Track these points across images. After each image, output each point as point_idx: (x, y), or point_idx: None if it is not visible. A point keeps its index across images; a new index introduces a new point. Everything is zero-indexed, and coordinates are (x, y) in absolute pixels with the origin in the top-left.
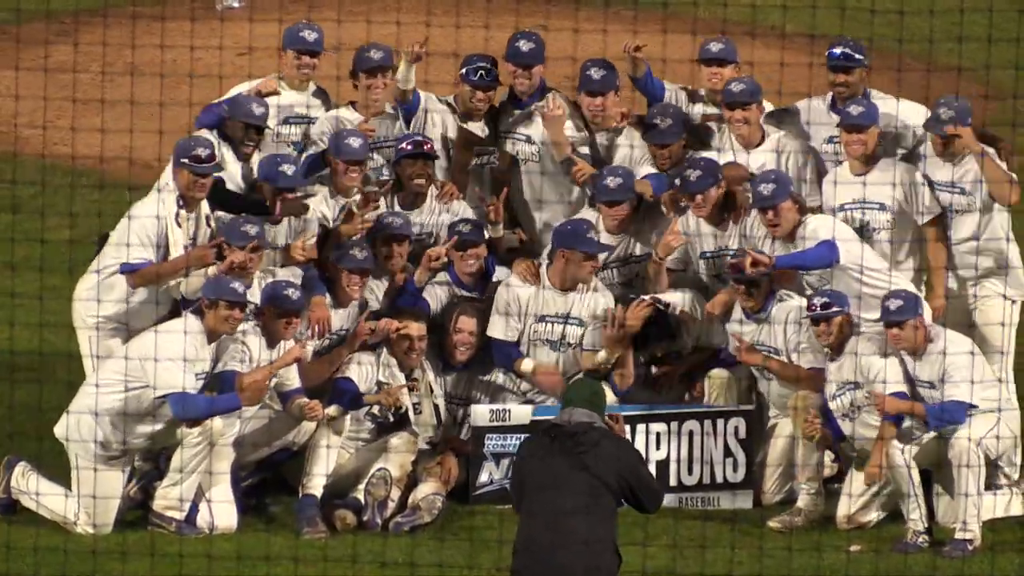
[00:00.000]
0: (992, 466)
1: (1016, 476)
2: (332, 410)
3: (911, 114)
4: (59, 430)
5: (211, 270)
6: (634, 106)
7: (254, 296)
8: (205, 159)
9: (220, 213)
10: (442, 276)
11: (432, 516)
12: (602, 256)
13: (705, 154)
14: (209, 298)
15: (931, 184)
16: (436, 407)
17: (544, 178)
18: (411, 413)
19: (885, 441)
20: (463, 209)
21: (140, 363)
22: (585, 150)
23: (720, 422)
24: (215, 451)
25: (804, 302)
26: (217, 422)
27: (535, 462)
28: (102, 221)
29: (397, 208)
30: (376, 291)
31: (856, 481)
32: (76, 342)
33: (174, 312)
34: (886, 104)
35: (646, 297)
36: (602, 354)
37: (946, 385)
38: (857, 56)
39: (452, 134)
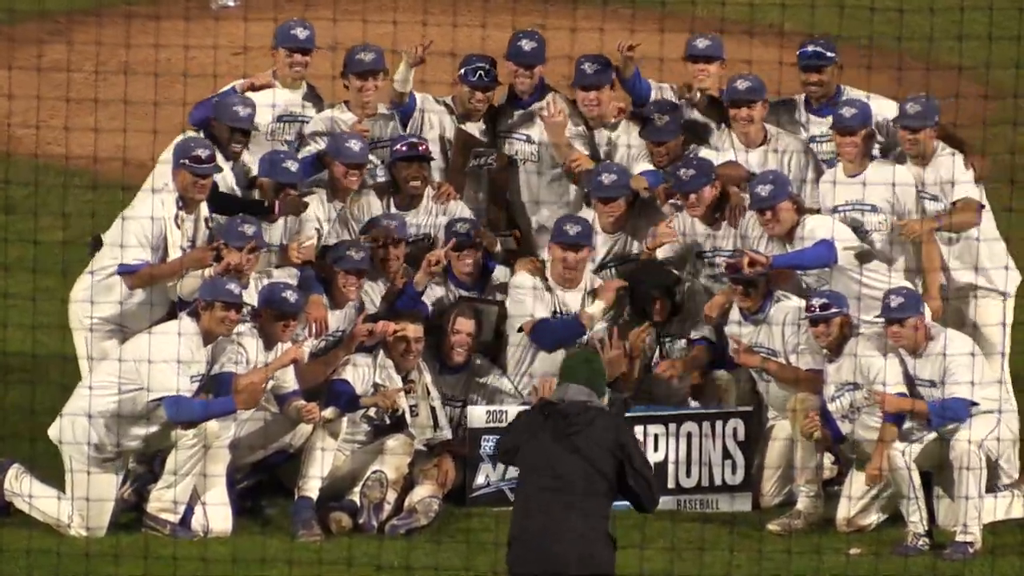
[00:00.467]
0: (992, 468)
1: (1016, 478)
2: (328, 412)
3: (884, 110)
4: (53, 432)
5: (207, 271)
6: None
7: (251, 297)
8: (205, 160)
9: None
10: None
11: (428, 519)
12: (599, 255)
13: (703, 153)
14: (205, 299)
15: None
16: (433, 409)
17: (542, 179)
18: (408, 415)
19: (886, 443)
20: (460, 210)
21: (135, 365)
22: (584, 149)
23: (719, 424)
24: (210, 453)
25: (802, 303)
26: (212, 424)
27: (528, 440)
28: (95, 222)
29: (393, 209)
30: (371, 294)
31: (856, 483)
32: (69, 344)
33: (170, 314)
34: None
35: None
36: (598, 304)
37: (948, 384)
38: (828, 54)
39: (449, 135)
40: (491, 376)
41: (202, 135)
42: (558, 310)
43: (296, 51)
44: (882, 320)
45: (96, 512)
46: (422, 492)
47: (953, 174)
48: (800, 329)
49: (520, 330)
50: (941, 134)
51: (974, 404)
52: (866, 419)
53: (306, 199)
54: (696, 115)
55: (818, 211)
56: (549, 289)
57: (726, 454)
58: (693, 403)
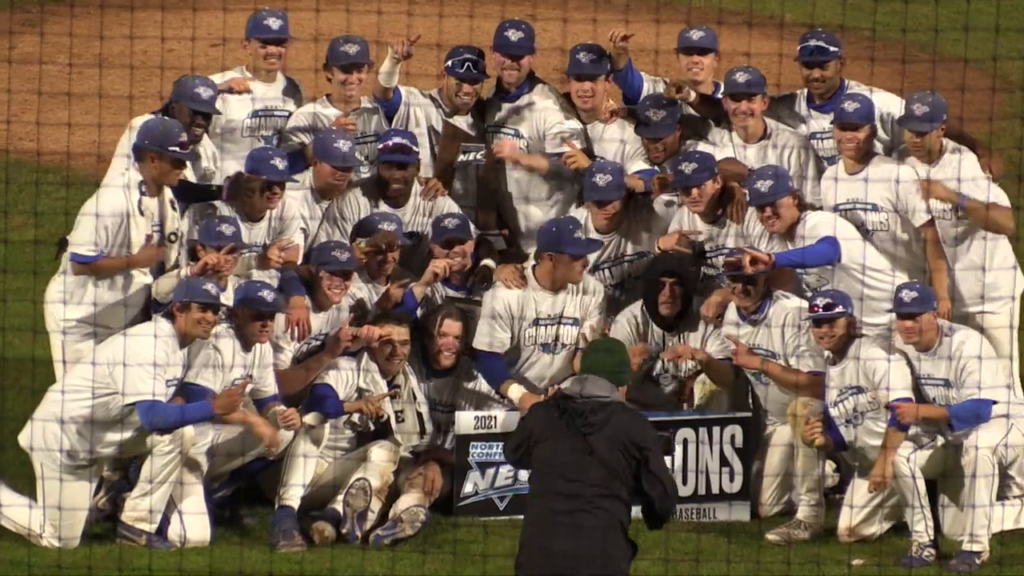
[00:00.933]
0: (1001, 476)
1: None
2: (310, 418)
3: (888, 105)
4: (23, 439)
5: (183, 272)
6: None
7: (228, 300)
8: (187, 144)
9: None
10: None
11: (414, 529)
12: (592, 256)
13: (701, 147)
14: (181, 300)
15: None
16: (420, 415)
17: (532, 175)
18: (393, 421)
19: (891, 449)
20: (448, 207)
21: (108, 368)
22: (578, 144)
23: (716, 430)
24: (187, 460)
25: (803, 303)
26: (189, 430)
27: (541, 440)
28: (68, 220)
29: (383, 206)
30: (362, 292)
31: (858, 491)
32: (40, 346)
33: (146, 315)
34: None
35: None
36: (518, 390)
37: (965, 385)
38: (831, 48)
39: (436, 129)
40: (479, 380)
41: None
42: (537, 317)
43: (269, 43)
44: (885, 322)
45: (69, 522)
46: (408, 501)
47: (961, 173)
48: (800, 331)
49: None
50: (950, 131)
51: (995, 403)
52: (870, 424)
53: (291, 196)
54: (691, 111)
55: (819, 208)
56: (528, 301)
57: (723, 461)
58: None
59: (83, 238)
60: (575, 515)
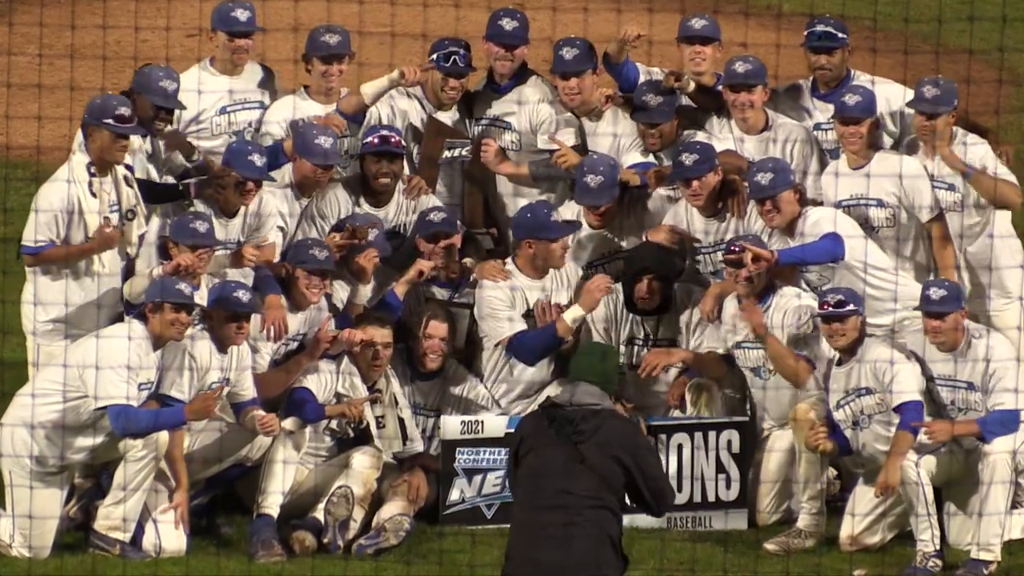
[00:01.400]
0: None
1: None
2: (289, 423)
3: (896, 97)
4: None
5: (156, 271)
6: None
7: (203, 300)
8: (128, 118)
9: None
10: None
11: (398, 538)
12: (586, 254)
13: (701, 137)
14: (153, 301)
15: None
16: (401, 420)
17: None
18: (374, 427)
19: (899, 454)
20: (432, 204)
21: (79, 371)
22: (572, 140)
23: (712, 435)
24: (162, 467)
25: (804, 297)
26: (163, 435)
27: (532, 450)
28: None
29: (364, 204)
30: (341, 294)
31: (861, 499)
32: (7, 348)
33: (118, 316)
34: (874, 87)
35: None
36: (576, 310)
37: (995, 391)
38: (839, 35)
39: (420, 124)
40: (466, 384)
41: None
42: (528, 309)
43: (237, 35)
44: (888, 323)
45: (39, 531)
46: (391, 509)
47: (970, 162)
48: (801, 319)
49: (497, 346)
50: (960, 120)
51: (1021, 411)
52: (878, 428)
53: (268, 192)
54: (690, 101)
55: (821, 204)
56: (516, 296)
57: (720, 467)
58: (676, 411)
59: (29, 230)
60: (565, 526)
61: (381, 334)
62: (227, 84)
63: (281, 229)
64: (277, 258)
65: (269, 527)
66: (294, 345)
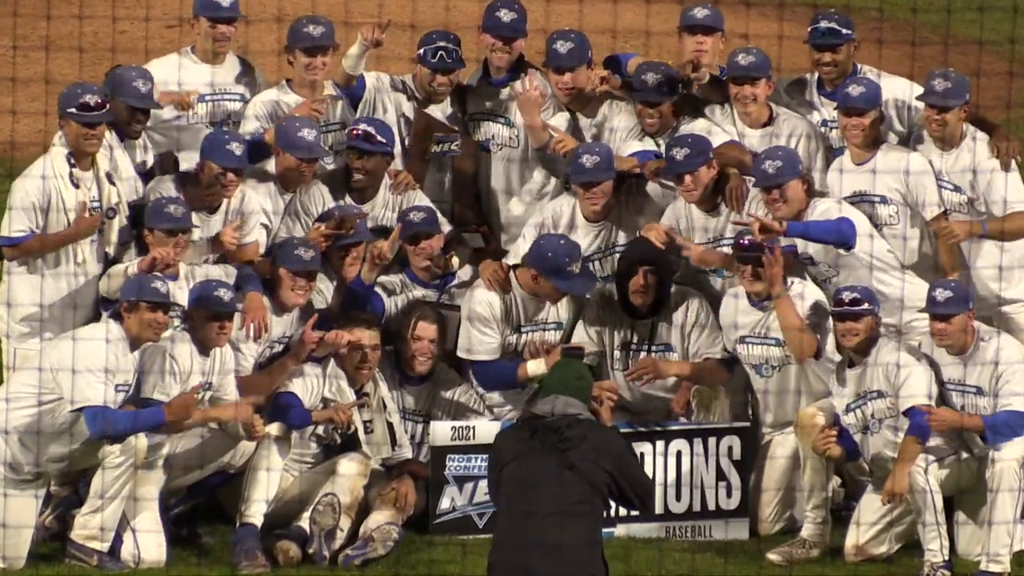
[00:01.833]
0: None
1: None
2: (274, 428)
3: (903, 92)
4: None
5: (130, 269)
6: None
7: (181, 294)
8: (94, 107)
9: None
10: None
11: (386, 548)
12: (583, 246)
13: (698, 128)
14: (129, 300)
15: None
16: (390, 425)
17: (522, 166)
18: (361, 432)
19: (907, 461)
20: (419, 200)
21: (53, 373)
22: (563, 126)
23: (712, 441)
24: (140, 474)
25: (809, 287)
26: (142, 440)
27: (514, 461)
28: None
29: (349, 200)
30: (324, 292)
31: (868, 508)
32: None
33: (95, 316)
34: (879, 81)
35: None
36: (539, 364)
37: (1002, 395)
38: (844, 31)
39: (408, 117)
40: (457, 388)
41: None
42: (521, 322)
43: (219, 21)
44: (895, 323)
45: (13, 540)
46: (379, 518)
47: (977, 163)
48: (809, 309)
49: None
50: (971, 117)
51: None
52: (888, 433)
53: (251, 188)
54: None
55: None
56: (510, 305)
57: (720, 475)
58: (681, 418)
59: (6, 222)
60: (557, 534)
61: (368, 336)
62: (208, 73)
63: (265, 227)
64: (260, 255)
65: (252, 537)
66: (279, 348)
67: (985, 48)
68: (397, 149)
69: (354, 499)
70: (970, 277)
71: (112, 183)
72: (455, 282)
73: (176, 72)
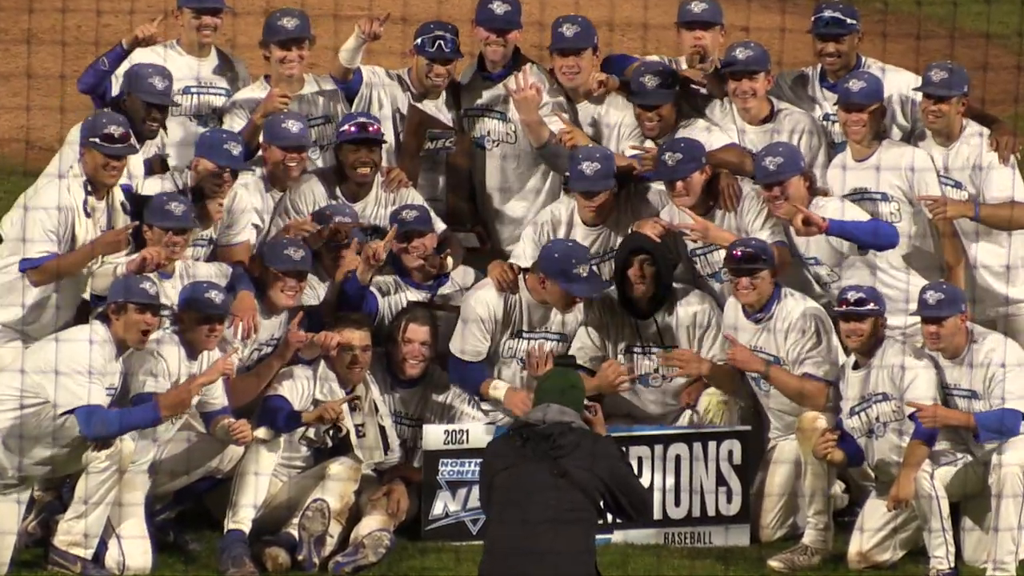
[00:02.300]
0: None
1: None
2: (262, 432)
3: (908, 86)
4: None
5: (119, 268)
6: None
7: (174, 292)
8: (118, 138)
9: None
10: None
11: (378, 555)
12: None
13: (695, 133)
14: (116, 301)
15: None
16: (382, 428)
17: (519, 163)
18: (353, 436)
19: (912, 465)
20: (412, 198)
21: (38, 377)
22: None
23: (712, 445)
24: (126, 479)
25: (809, 303)
26: (128, 444)
27: (505, 469)
28: None
29: (340, 198)
30: (316, 288)
31: (872, 514)
32: None
33: (80, 318)
34: (882, 75)
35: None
36: (503, 390)
37: (993, 396)
38: (849, 21)
39: (403, 113)
40: (451, 391)
41: (109, 110)
42: (523, 328)
43: (204, 12)
44: (900, 324)
45: None
46: (370, 524)
47: (982, 159)
48: (806, 335)
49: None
50: (970, 111)
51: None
52: (893, 437)
53: (242, 187)
54: (693, 86)
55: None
56: (513, 309)
57: (720, 480)
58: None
59: (32, 242)
60: (548, 541)
61: (358, 336)
62: (193, 66)
63: (256, 227)
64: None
65: (240, 543)
66: (268, 350)
67: (992, 41)
68: (390, 145)
69: (344, 505)
70: (974, 277)
71: (125, 212)
72: (448, 283)
73: (161, 63)
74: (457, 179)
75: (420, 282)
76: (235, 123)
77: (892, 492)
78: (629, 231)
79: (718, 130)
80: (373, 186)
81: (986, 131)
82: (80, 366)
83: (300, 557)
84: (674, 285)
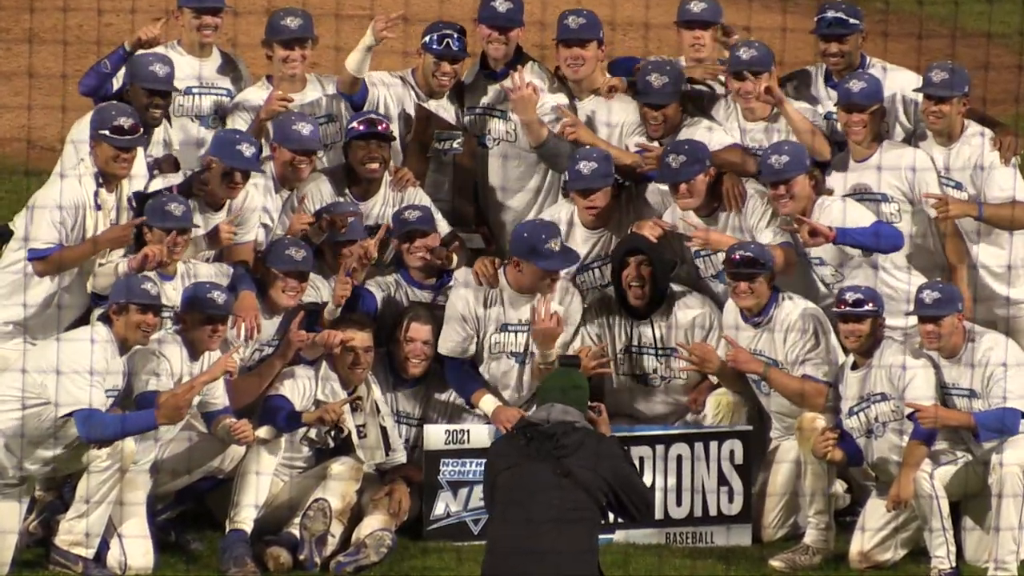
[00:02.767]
0: None
1: None
2: (264, 432)
3: (907, 85)
4: None
5: (120, 266)
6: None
7: (176, 294)
8: (128, 130)
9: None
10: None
11: (379, 555)
12: (580, 254)
13: (697, 134)
14: (118, 302)
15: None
16: (384, 429)
17: (519, 162)
18: (355, 436)
19: (912, 466)
20: (419, 198)
21: (40, 377)
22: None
23: (713, 445)
24: (127, 478)
25: (808, 305)
26: (129, 444)
27: (508, 468)
28: None
29: (349, 197)
30: (321, 289)
31: (873, 513)
32: None
33: (83, 319)
34: (884, 74)
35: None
36: (491, 402)
37: (992, 395)
38: (852, 20)
39: (409, 114)
40: (451, 391)
41: (117, 102)
42: (505, 323)
43: (204, 12)
44: (903, 325)
45: None
46: (372, 524)
47: (984, 159)
48: (805, 336)
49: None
50: (971, 112)
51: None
52: (892, 437)
53: (253, 186)
54: (697, 86)
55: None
56: (494, 303)
57: (722, 480)
58: (679, 421)
59: (40, 232)
60: (551, 540)
61: (361, 337)
62: (195, 66)
63: (265, 226)
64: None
65: (242, 543)
66: (269, 351)
67: (994, 41)
68: (398, 147)
69: (346, 504)
70: (976, 278)
71: (132, 207)
72: (451, 283)
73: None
74: (463, 181)
75: (423, 281)
76: (237, 124)
77: (892, 492)
78: (629, 231)
79: (721, 130)
80: (381, 185)
81: (987, 131)
82: (81, 367)
83: (302, 557)
84: (674, 287)
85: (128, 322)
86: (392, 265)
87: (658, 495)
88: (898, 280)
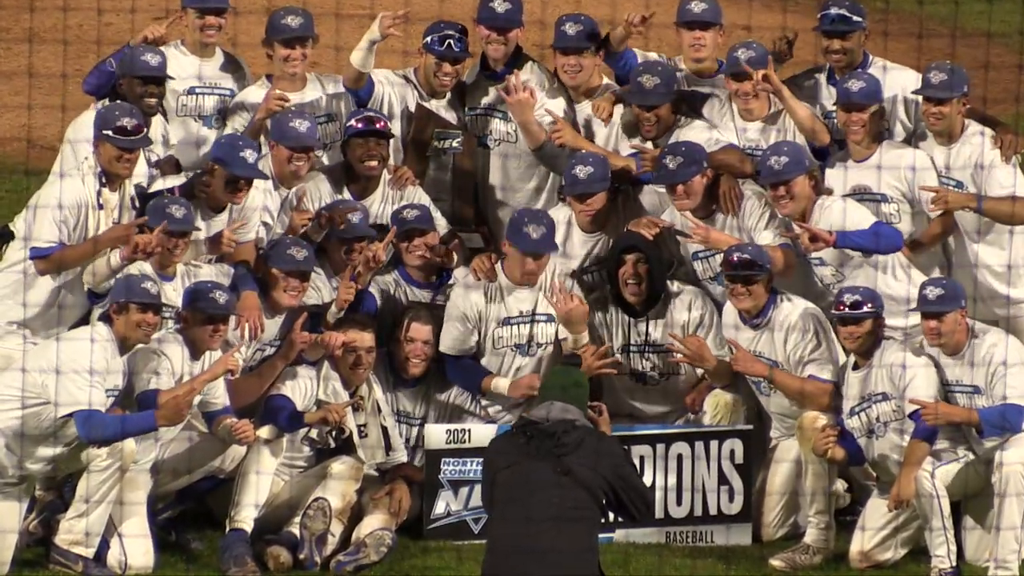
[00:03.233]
0: None
1: None
2: (265, 431)
3: (908, 85)
4: None
5: (114, 259)
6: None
7: (176, 295)
8: (132, 130)
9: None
10: (389, 274)
11: (379, 554)
12: (578, 257)
13: (693, 135)
14: (117, 301)
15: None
16: (385, 428)
17: (519, 162)
18: (356, 436)
19: (913, 464)
20: (418, 197)
21: (40, 376)
22: (560, 112)
23: (713, 444)
24: (128, 478)
25: (808, 305)
26: (130, 444)
27: (508, 467)
28: None
29: (348, 195)
30: (323, 290)
31: (874, 512)
32: None
33: (85, 318)
34: (885, 74)
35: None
36: (504, 383)
37: (995, 392)
38: (855, 18)
39: (411, 112)
40: (452, 391)
41: (121, 102)
42: (507, 316)
43: (207, 12)
44: (903, 325)
45: None
46: (372, 523)
47: (984, 158)
48: (806, 336)
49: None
50: (972, 111)
51: None
52: (894, 437)
53: (254, 186)
54: (694, 86)
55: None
56: (494, 298)
57: (722, 479)
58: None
59: (42, 231)
60: (551, 539)
61: (364, 338)
62: (197, 65)
63: (266, 225)
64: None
65: (242, 542)
66: (270, 351)
67: (994, 41)
68: (399, 146)
69: (346, 503)
70: (976, 277)
71: (135, 207)
72: (451, 282)
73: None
74: (463, 180)
75: (422, 281)
76: (237, 123)
77: (893, 492)
78: (625, 229)
79: (717, 131)
80: (380, 183)
81: (988, 131)
82: (81, 367)
83: (302, 556)
84: (673, 285)
85: (128, 321)
86: (390, 264)
87: (658, 494)
88: (900, 280)
